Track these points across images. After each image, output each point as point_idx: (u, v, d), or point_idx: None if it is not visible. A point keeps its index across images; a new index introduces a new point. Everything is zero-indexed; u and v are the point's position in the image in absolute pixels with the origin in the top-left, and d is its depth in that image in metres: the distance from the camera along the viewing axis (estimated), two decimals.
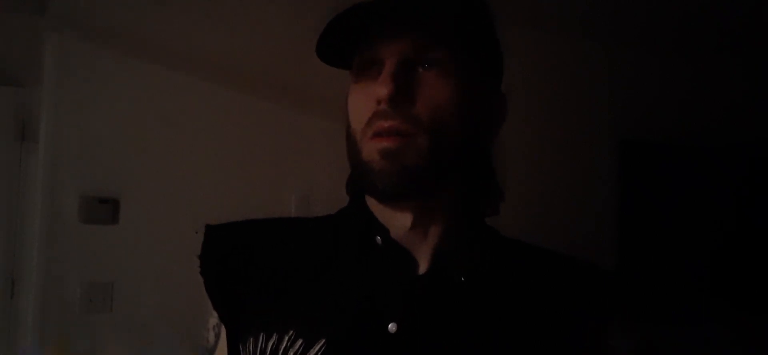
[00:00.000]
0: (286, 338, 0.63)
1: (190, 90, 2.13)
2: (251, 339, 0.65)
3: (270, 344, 0.63)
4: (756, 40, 2.82)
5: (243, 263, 0.70)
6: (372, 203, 0.68)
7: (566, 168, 2.68)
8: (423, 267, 0.66)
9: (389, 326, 0.62)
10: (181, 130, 2.12)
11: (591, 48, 2.77)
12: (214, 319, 0.72)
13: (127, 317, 2.01)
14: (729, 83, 2.98)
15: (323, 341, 0.61)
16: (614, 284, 0.72)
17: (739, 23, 2.68)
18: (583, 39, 2.75)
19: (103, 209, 1.99)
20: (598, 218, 2.70)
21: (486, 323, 0.64)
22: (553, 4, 2.46)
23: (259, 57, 2.24)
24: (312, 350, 0.62)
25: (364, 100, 0.64)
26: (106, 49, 2.03)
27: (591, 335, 0.67)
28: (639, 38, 2.81)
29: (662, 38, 2.83)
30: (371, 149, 0.62)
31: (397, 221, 0.66)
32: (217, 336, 0.71)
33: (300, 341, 0.62)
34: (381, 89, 0.61)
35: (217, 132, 2.16)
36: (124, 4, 2.07)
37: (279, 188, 2.19)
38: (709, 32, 2.78)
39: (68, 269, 1.96)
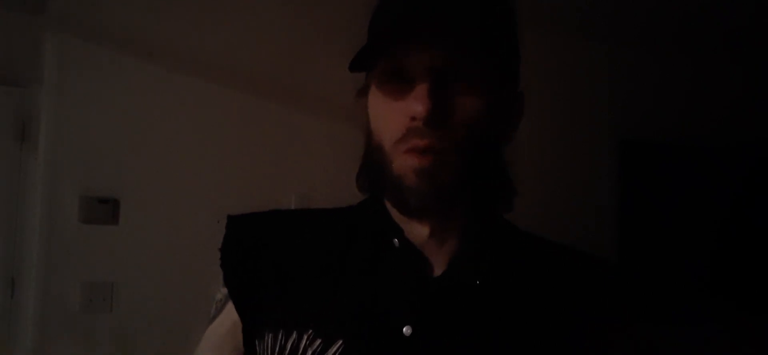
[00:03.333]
0: (305, 336, 0.64)
1: (190, 90, 2.13)
2: (270, 335, 0.66)
3: (290, 342, 0.64)
4: (756, 40, 2.82)
5: (263, 257, 0.70)
6: (390, 205, 0.68)
7: (566, 168, 2.68)
8: (438, 270, 0.66)
9: (404, 328, 0.62)
10: (180, 131, 2.12)
11: (591, 48, 2.78)
12: (220, 294, 0.72)
13: (127, 317, 2.01)
14: (729, 83, 2.98)
15: (341, 341, 0.62)
16: (626, 283, 0.72)
17: (739, 23, 2.68)
18: (583, 39, 2.75)
19: (103, 209, 2.00)
20: (598, 218, 2.70)
21: (500, 327, 0.65)
22: (553, 4, 2.46)
23: (259, 57, 2.24)
24: (330, 350, 0.62)
25: (396, 114, 0.62)
26: (106, 49, 2.03)
27: (604, 334, 0.67)
28: (639, 38, 2.81)
29: (662, 38, 2.83)
30: (405, 165, 0.62)
31: (415, 229, 0.67)
32: (219, 311, 0.72)
33: (318, 341, 0.63)
34: (417, 107, 0.59)
35: (217, 132, 2.16)
36: (124, 4, 2.07)
37: (279, 188, 2.19)
38: (709, 32, 2.78)
39: (68, 269, 1.96)
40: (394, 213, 0.68)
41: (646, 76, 2.87)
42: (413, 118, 0.60)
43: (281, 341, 0.65)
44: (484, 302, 0.65)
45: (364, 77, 0.69)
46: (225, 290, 0.72)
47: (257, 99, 2.22)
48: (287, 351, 0.64)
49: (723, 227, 2.94)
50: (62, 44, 2.00)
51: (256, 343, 0.67)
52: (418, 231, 0.67)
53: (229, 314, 0.70)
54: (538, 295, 0.67)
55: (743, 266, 2.95)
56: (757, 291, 2.87)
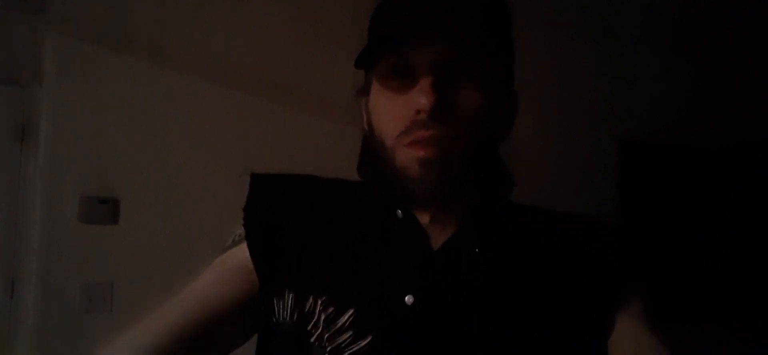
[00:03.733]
0: (320, 302, 0.66)
1: (191, 90, 2.13)
2: (291, 295, 0.68)
3: (307, 305, 0.67)
4: (756, 40, 2.82)
5: (284, 220, 0.72)
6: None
7: (566, 168, 2.68)
8: (440, 241, 0.68)
9: (406, 298, 0.65)
10: (180, 130, 2.12)
11: (591, 48, 2.77)
12: (239, 230, 0.73)
13: (127, 317, 2.01)
14: (729, 83, 2.98)
15: (352, 310, 0.65)
16: (626, 241, 0.74)
17: (739, 23, 2.68)
18: (583, 39, 2.75)
19: (103, 209, 1.99)
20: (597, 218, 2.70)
21: (500, 293, 0.67)
22: (553, 4, 2.47)
23: (259, 57, 2.24)
24: (342, 317, 0.65)
25: (399, 108, 0.64)
26: (106, 49, 2.03)
27: (606, 291, 0.69)
28: (639, 38, 2.82)
29: (662, 38, 2.83)
30: (408, 157, 0.64)
31: (417, 217, 0.69)
32: (235, 244, 0.73)
33: (332, 308, 0.66)
34: (422, 99, 0.61)
35: (217, 132, 2.16)
36: (125, 4, 2.07)
37: None
38: (709, 32, 2.78)
39: (68, 269, 1.96)
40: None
41: (646, 76, 2.87)
42: (418, 112, 0.62)
43: (299, 303, 0.67)
44: (484, 270, 0.67)
45: (363, 76, 0.71)
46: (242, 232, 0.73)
47: (257, 99, 2.22)
48: (304, 314, 0.66)
49: (723, 227, 2.94)
50: (62, 44, 1.99)
51: (275, 301, 0.69)
52: (419, 218, 0.69)
53: (237, 254, 0.72)
54: (538, 260, 0.69)
55: (743, 266, 2.95)
56: (757, 291, 2.87)
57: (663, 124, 2.86)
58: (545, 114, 2.60)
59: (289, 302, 0.68)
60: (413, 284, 0.66)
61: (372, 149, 0.69)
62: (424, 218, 0.69)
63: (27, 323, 2.01)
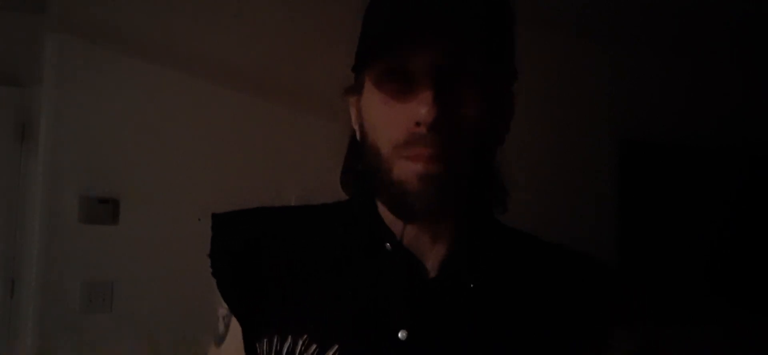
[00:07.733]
0: (300, 341, 0.63)
1: (190, 90, 2.13)
2: (266, 339, 0.65)
3: (285, 347, 0.63)
4: (756, 40, 2.82)
5: (255, 259, 0.69)
6: (382, 206, 0.68)
7: (566, 168, 2.68)
8: (432, 272, 0.65)
9: (399, 333, 0.62)
10: (181, 131, 2.12)
11: (591, 48, 2.77)
12: (223, 309, 0.71)
13: (127, 317, 2.01)
14: (729, 83, 2.98)
15: (336, 347, 0.62)
16: (620, 283, 0.72)
17: (739, 23, 2.68)
18: (583, 39, 2.75)
19: (103, 209, 1.99)
20: (597, 218, 2.70)
21: (495, 328, 0.64)
22: (553, 4, 2.46)
23: (259, 57, 2.24)
24: None
25: (397, 117, 0.61)
26: (106, 49, 2.03)
27: (598, 333, 0.68)
28: (639, 38, 2.81)
29: (662, 38, 2.83)
30: (407, 171, 0.61)
31: (408, 230, 0.66)
32: (227, 327, 0.71)
33: (314, 346, 0.62)
34: (422, 111, 0.58)
35: (217, 132, 2.16)
36: (124, 4, 2.07)
37: (279, 188, 2.19)
38: (709, 32, 2.78)
39: (68, 269, 1.96)
40: (385, 213, 0.67)
41: (646, 76, 2.87)
42: (418, 123, 0.59)
43: (276, 345, 0.64)
44: (479, 304, 0.65)
45: (353, 75, 0.68)
46: (226, 306, 0.71)
47: (257, 99, 2.22)
48: None
49: (723, 227, 2.94)
50: (62, 44, 1.99)
51: (256, 346, 0.67)
52: (410, 231, 0.66)
53: (236, 335, 0.69)
54: (533, 295, 0.67)
55: (743, 266, 2.95)
56: (756, 291, 2.87)
57: (663, 124, 2.86)
58: (545, 114, 2.60)
59: (266, 346, 0.65)
60: (406, 318, 0.62)
61: (366, 155, 0.66)
62: (415, 230, 0.65)
63: (27, 323, 2.01)
